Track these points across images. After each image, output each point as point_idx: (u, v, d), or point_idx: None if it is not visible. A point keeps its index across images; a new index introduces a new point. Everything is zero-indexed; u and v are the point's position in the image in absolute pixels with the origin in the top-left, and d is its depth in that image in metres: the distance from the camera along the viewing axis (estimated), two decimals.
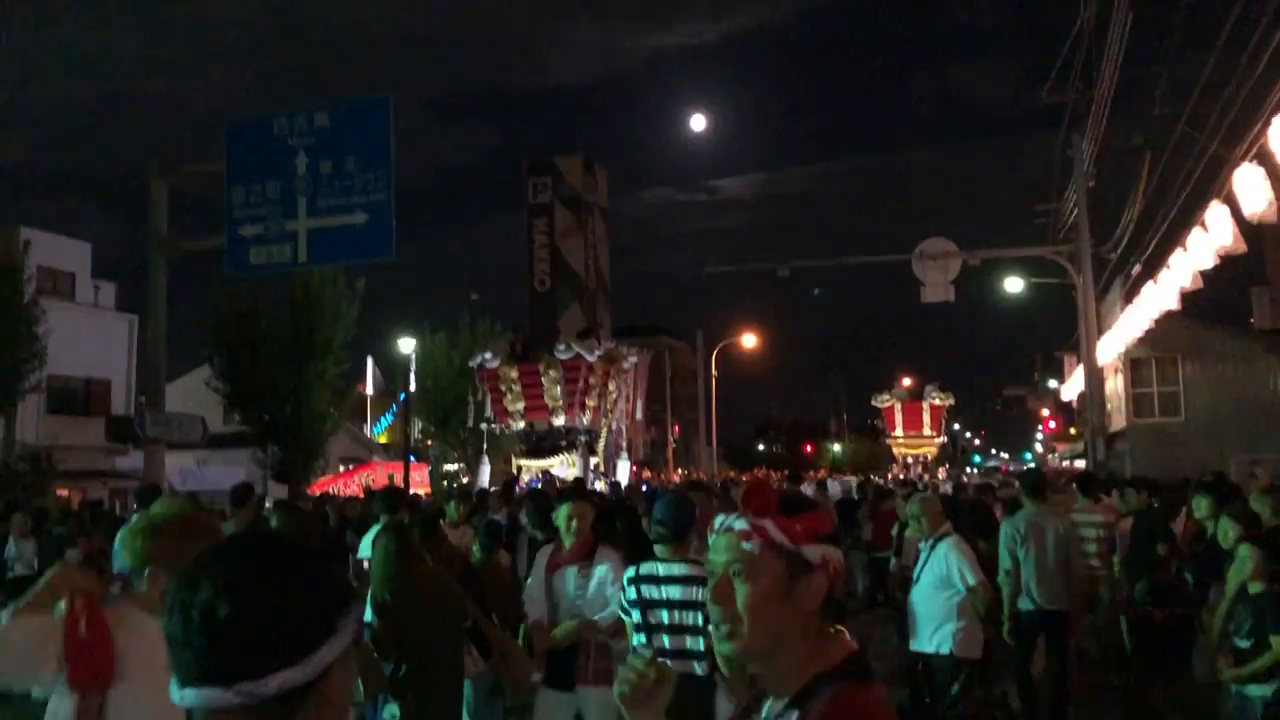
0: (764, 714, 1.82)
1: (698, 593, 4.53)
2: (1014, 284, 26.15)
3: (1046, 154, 24.27)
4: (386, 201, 16.51)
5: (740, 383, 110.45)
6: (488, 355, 23.43)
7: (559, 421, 22.17)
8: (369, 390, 48.72)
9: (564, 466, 21.35)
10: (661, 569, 4.84)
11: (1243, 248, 11.66)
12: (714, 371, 46.78)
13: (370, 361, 47.44)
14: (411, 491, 20.12)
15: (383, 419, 51.35)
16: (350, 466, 30.26)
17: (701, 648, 4.65)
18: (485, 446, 24.54)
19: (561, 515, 5.65)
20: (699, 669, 4.67)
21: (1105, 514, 9.72)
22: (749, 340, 48.39)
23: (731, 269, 23.48)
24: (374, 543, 5.68)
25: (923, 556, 6.78)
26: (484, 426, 23.73)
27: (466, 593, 6.33)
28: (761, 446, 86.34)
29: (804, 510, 1.86)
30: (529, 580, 6.04)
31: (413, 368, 35.42)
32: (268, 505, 11.41)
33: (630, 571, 4.94)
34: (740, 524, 1.79)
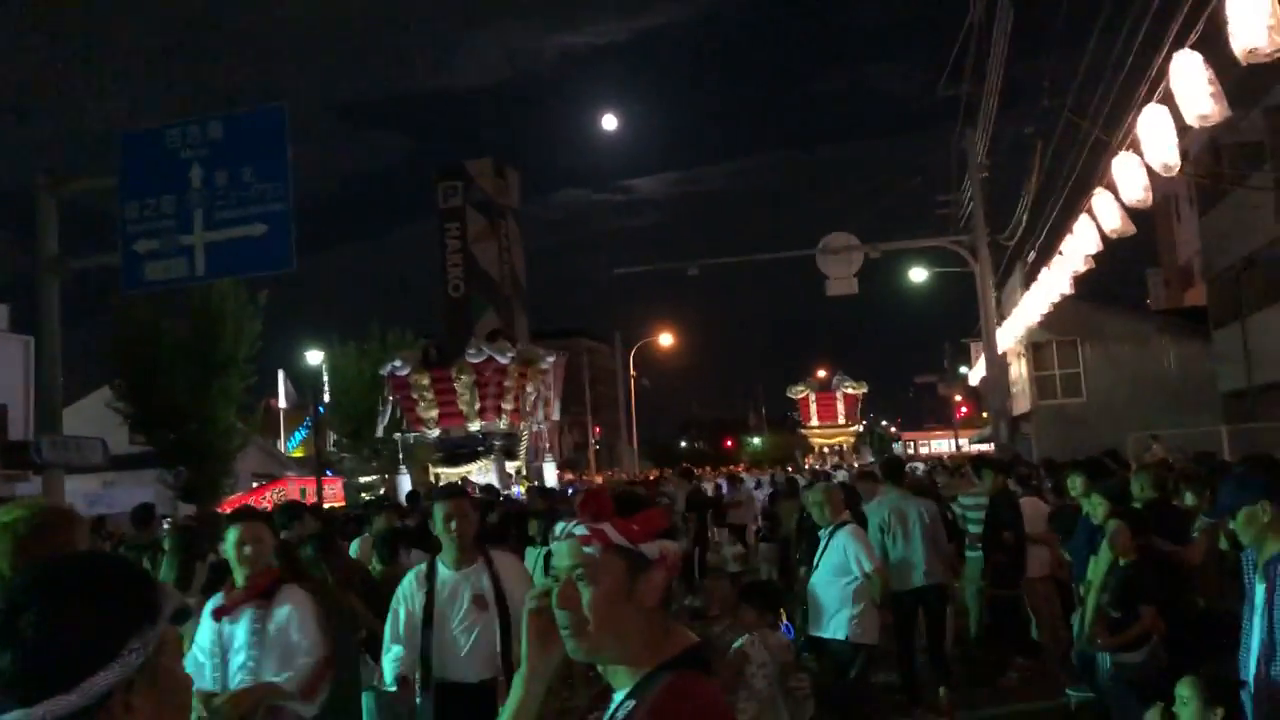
0: (611, 708, 1.88)
1: None
2: (918, 274, 26.72)
3: (947, 148, 24.80)
4: (285, 212, 16.21)
5: (661, 381, 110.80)
6: (397, 363, 23.05)
7: (475, 427, 21.87)
8: (282, 404, 47.82)
9: (482, 473, 21.05)
10: None
11: (1132, 229, 12.04)
12: (633, 371, 46.95)
13: (282, 375, 46.60)
14: (326, 505, 19.82)
15: (297, 433, 50.45)
16: (263, 483, 29.66)
17: None
18: (401, 456, 24.14)
19: (438, 516, 5.02)
20: None
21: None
22: (666, 339, 48.71)
23: (641, 270, 23.57)
24: None
25: (822, 543, 6.93)
26: (397, 436, 23.36)
27: (367, 605, 6.29)
28: (684, 444, 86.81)
29: (640, 509, 1.93)
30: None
31: (325, 379, 34.89)
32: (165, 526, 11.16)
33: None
34: (580, 529, 1.85)
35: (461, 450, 22.10)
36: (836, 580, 6.63)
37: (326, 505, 21.05)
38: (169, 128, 16.91)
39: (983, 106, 18.92)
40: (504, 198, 63.26)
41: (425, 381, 22.20)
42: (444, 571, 5.01)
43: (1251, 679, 4.11)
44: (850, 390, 46.67)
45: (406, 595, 5.07)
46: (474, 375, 21.83)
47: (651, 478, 27.66)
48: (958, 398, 60.42)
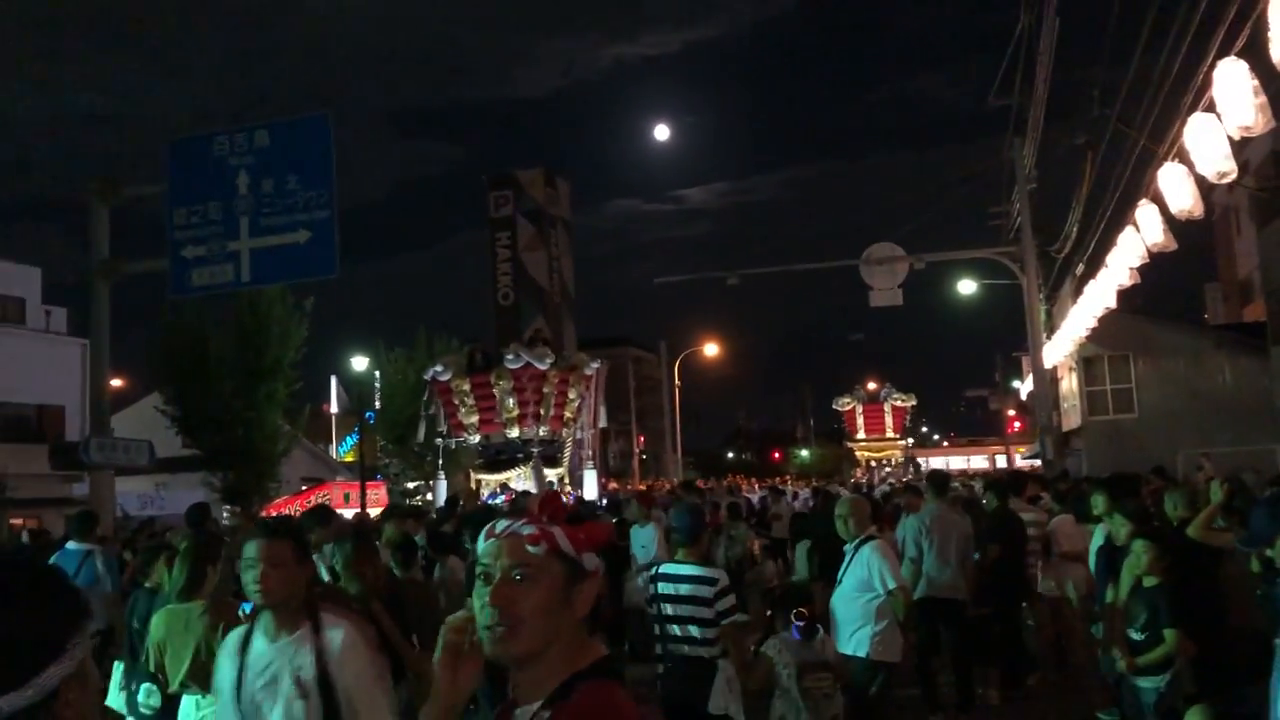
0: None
1: (704, 590, 5.40)
2: (967, 286, 26.39)
3: (998, 158, 24.50)
4: (329, 219, 16.44)
5: (708, 392, 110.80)
6: (439, 368, 22.88)
7: (514, 433, 21.77)
8: (333, 409, 48.39)
9: (522, 479, 21.09)
10: (678, 569, 5.61)
11: (1173, 245, 11.76)
12: (678, 380, 46.87)
13: (335, 380, 47.18)
14: (370, 511, 19.98)
15: (348, 438, 51.02)
16: (310, 487, 30.01)
17: (706, 635, 5.35)
18: (441, 462, 24.20)
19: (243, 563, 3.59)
20: (705, 653, 5.36)
21: (1038, 514, 9.81)
22: (712, 349, 48.53)
23: (681, 279, 23.50)
24: None
25: (847, 558, 6.80)
26: (439, 441, 23.38)
27: (387, 611, 6.27)
28: (731, 455, 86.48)
29: (589, 519, 1.95)
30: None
31: (378, 385, 35.25)
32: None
33: (653, 570, 5.90)
34: (528, 529, 1.84)
35: (501, 457, 22.02)
36: (859, 596, 6.50)
37: (371, 509, 21.33)
38: (217, 135, 17.22)
39: (1031, 116, 18.63)
40: (554, 207, 63.69)
41: (466, 387, 22.07)
42: (259, 643, 3.56)
43: (1278, 708, 3.96)
44: (899, 403, 45.85)
45: (219, 665, 3.73)
46: (512, 381, 21.63)
47: (699, 485, 27.61)
48: (1010, 412, 59.57)
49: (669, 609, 5.48)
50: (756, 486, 33.98)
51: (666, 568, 5.68)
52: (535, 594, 1.80)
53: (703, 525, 6.12)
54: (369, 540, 6.48)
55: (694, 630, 5.40)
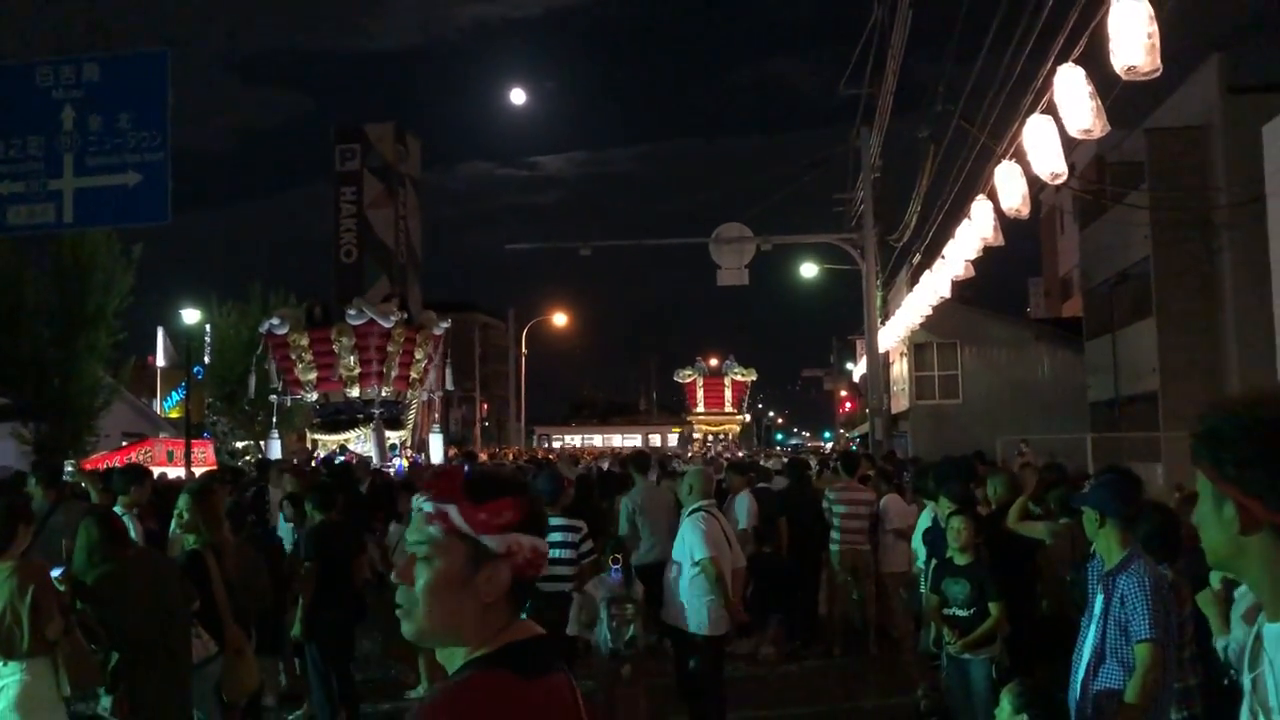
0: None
1: (572, 536, 6.71)
2: (809, 270, 27.04)
3: (847, 146, 25.11)
4: (161, 162, 15.61)
5: (554, 361, 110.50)
6: (275, 321, 21.96)
7: (354, 393, 21.05)
8: (160, 362, 46.20)
9: (361, 441, 20.49)
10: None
11: (1001, 240, 12.31)
12: (524, 349, 46.59)
13: (161, 332, 45.03)
14: (195, 470, 19.19)
15: (174, 393, 48.82)
16: (132, 442, 28.56)
17: (566, 574, 6.58)
18: (275, 420, 23.23)
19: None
20: (565, 588, 6.55)
21: (866, 492, 10.15)
22: (560, 319, 48.37)
23: (534, 247, 23.28)
24: (80, 527, 5.34)
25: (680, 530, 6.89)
26: (272, 399, 22.43)
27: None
28: (574, 425, 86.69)
29: (496, 496, 1.79)
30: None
31: (208, 339, 33.81)
32: None
33: None
34: (428, 505, 1.77)
35: (340, 417, 21.26)
36: (682, 567, 6.58)
37: (197, 469, 20.41)
38: (39, 64, 16.12)
39: (879, 107, 19.16)
40: (404, 165, 62.20)
41: (304, 342, 21.19)
42: None
43: (1079, 685, 4.19)
44: (739, 377, 46.00)
45: None
46: (354, 338, 20.84)
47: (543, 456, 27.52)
48: (843, 393, 61.57)
49: None
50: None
51: None
52: (430, 574, 1.74)
53: (562, 487, 7.51)
54: (210, 497, 6.21)
55: (562, 570, 6.48)
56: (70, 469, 14.10)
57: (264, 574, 6.59)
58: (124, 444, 28.24)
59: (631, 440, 60.68)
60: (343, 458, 17.56)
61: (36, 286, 22.66)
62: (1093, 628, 4.15)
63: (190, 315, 27.73)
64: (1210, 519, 1.72)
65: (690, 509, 6.68)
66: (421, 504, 1.77)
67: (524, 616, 5.52)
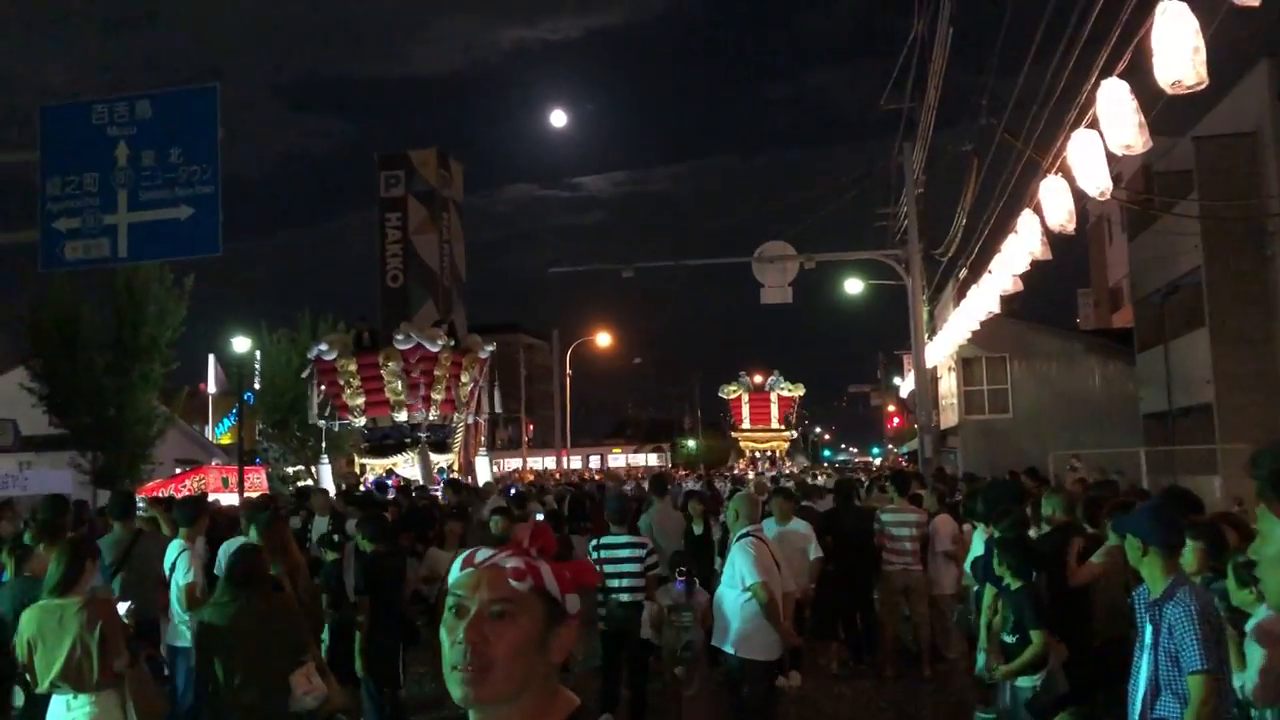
0: None
1: (635, 553, 7.65)
2: (854, 286, 26.91)
3: (889, 162, 25.04)
4: (213, 195, 15.91)
5: (598, 382, 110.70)
6: (324, 347, 21.92)
7: (401, 417, 21.08)
8: (211, 389, 46.94)
9: (409, 465, 20.59)
10: (615, 539, 7.82)
11: (1049, 255, 12.19)
12: (568, 369, 46.72)
13: (212, 360, 45.81)
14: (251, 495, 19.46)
15: (225, 420, 49.54)
16: (185, 469, 29.04)
17: (637, 585, 7.55)
18: (324, 445, 23.43)
19: None
20: (637, 598, 7.50)
21: (918, 513, 10.06)
22: (604, 339, 48.38)
23: (577, 269, 23.42)
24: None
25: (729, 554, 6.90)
26: (321, 424, 22.57)
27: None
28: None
29: (572, 558, 1.82)
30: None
31: (258, 366, 34.28)
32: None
33: (594, 541, 7.97)
34: (514, 562, 1.70)
35: (388, 441, 21.31)
36: (731, 592, 6.57)
37: (250, 494, 20.68)
38: (95, 103, 16.54)
39: (921, 121, 19.09)
40: (447, 189, 62.82)
41: (352, 367, 21.22)
42: None
43: (1136, 716, 4.14)
44: (785, 393, 44.49)
45: None
46: (401, 362, 20.83)
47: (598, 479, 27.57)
48: (891, 408, 61.09)
49: (610, 568, 7.52)
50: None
51: (606, 539, 7.82)
52: (513, 633, 1.65)
53: (629, 508, 8.56)
54: (277, 524, 6.31)
55: (634, 582, 7.52)
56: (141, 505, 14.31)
57: (319, 598, 6.69)
58: (178, 471, 28.73)
59: (618, 461, 62.29)
60: (390, 481, 17.74)
61: (92, 318, 23.17)
62: (1145, 658, 4.10)
63: (241, 344, 28.11)
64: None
65: (738, 534, 6.69)
66: (503, 560, 1.71)
67: (604, 626, 5.92)
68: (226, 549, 6.35)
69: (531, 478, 32.75)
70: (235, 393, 29.08)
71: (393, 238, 57.03)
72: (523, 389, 51.23)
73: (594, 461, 63.38)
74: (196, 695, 5.13)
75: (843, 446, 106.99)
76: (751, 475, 28.41)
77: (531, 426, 59.79)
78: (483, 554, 1.74)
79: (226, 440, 46.13)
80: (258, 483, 25.76)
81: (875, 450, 77.33)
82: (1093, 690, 5.68)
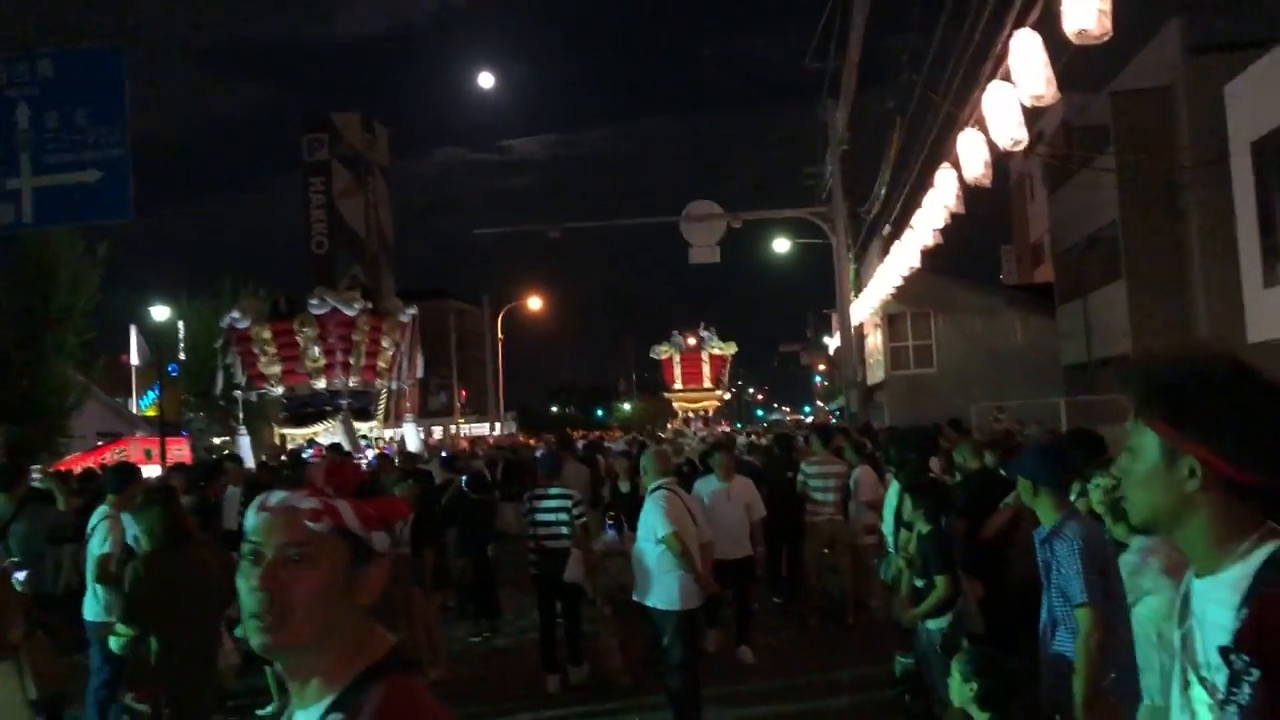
0: None
1: (564, 504, 8.16)
2: (781, 245, 27.04)
3: (815, 120, 25.07)
4: (122, 158, 15.37)
5: (532, 346, 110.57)
6: (236, 315, 21.23)
7: (321, 385, 20.50)
8: (134, 361, 45.85)
9: (331, 434, 20.00)
10: (545, 491, 8.35)
11: (962, 209, 12.31)
12: (500, 334, 46.41)
13: (134, 330, 44.72)
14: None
15: (149, 391, 48.46)
16: (106, 442, 28.34)
17: (565, 533, 8.09)
18: (242, 416, 22.81)
19: None
20: (565, 544, 8.05)
21: (839, 464, 10.18)
22: (535, 303, 48.07)
23: (502, 230, 23.11)
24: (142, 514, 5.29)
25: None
26: (238, 394, 21.94)
27: None
28: (555, 409, 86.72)
29: (377, 494, 1.74)
30: None
31: (181, 336, 33.53)
32: None
33: (527, 493, 8.74)
34: (310, 502, 1.62)
35: (307, 410, 20.73)
36: (646, 544, 6.59)
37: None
38: None
39: (843, 79, 19.12)
40: (372, 153, 61.56)
41: (266, 335, 20.54)
42: None
43: (1042, 651, 4.23)
44: (718, 351, 43.74)
45: None
46: (317, 328, 20.21)
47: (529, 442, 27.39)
48: (821, 367, 61.66)
49: (541, 517, 8.18)
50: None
51: (538, 491, 8.42)
52: (312, 578, 1.58)
53: (560, 464, 9.39)
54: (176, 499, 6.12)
55: (562, 530, 8.07)
56: (36, 472, 13.87)
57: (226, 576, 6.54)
58: (99, 444, 28.05)
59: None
60: (310, 452, 17.32)
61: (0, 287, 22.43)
62: (1045, 595, 4.18)
63: (160, 312, 27.43)
64: (1154, 478, 1.68)
65: (651, 487, 6.69)
66: (298, 501, 1.62)
67: (536, 571, 7.53)
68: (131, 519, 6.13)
69: (466, 445, 32.54)
70: (159, 363, 28.44)
71: (317, 203, 55.99)
72: (453, 354, 50.79)
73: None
74: (113, 660, 5.02)
75: (775, 406, 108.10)
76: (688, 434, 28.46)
77: (465, 393, 59.39)
78: (276, 497, 1.66)
79: (152, 413, 45.12)
80: (180, 455, 25.27)
81: (807, 409, 78.25)
82: (1011, 630, 5.78)
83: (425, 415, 49.42)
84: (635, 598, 6.76)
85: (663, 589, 6.49)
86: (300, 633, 1.58)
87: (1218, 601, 1.64)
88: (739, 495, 8.82)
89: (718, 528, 8.26)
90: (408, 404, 22.86)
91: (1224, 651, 1.59)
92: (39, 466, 16.77)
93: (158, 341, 28.92)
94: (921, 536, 5.73)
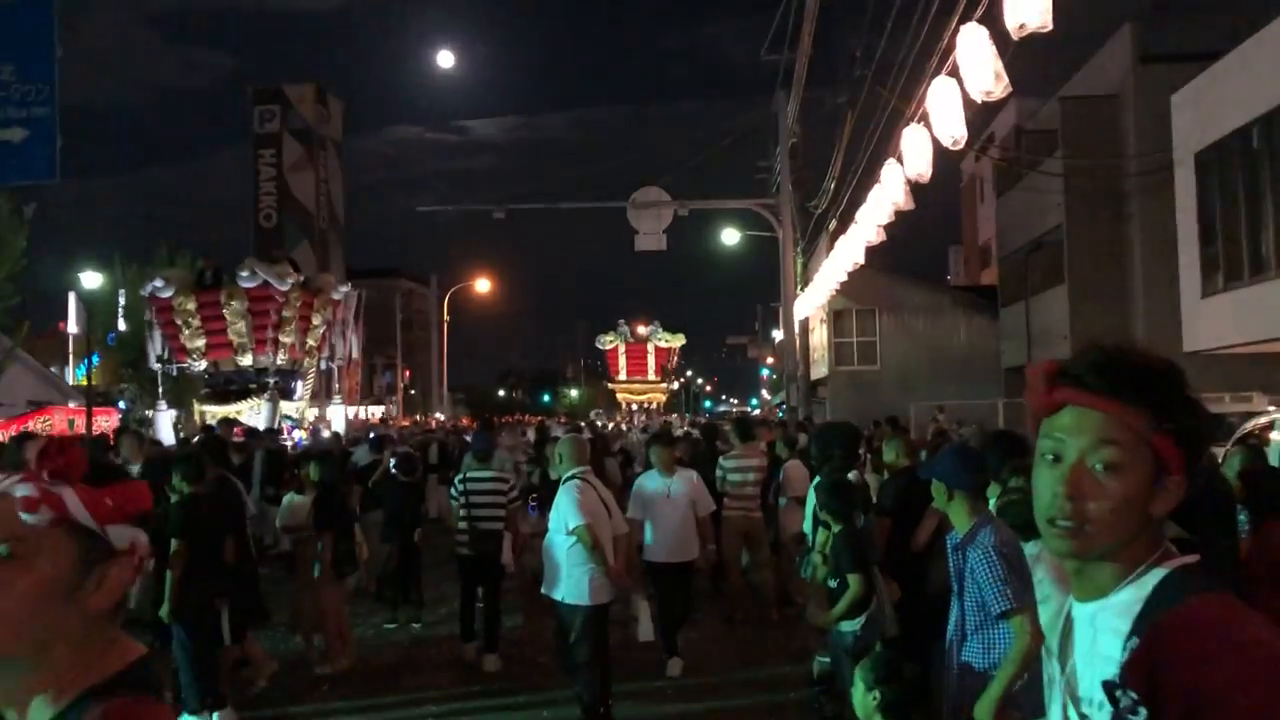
0: None
1: (501, 487, 8.52)
2: (731, 236, 26.91)
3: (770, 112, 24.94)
4: (49, 116, 14.96)
5: (483, 329, 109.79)
6: (159, 283, 19.93)
7: (246, 361, 19.46)
8: (72, 329, 44.79)
9: (254, 412, 19.10)
10: (480, 473, 8.63)
11: (911, 205, 12.20)
12: (447, 315, 45.90)
13: (74, 298, 43.69)
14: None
15: (85, 361, 47.40)
16: (33, 409, 27.58)
17: (498, 515, 8.37)
18: (161, 390, 21.64)
19: None
20: (498, 526, 8.38)
21: (758, 458, 10.04)
22: (484, 284, 47.56)
23: (446, 209, 22.73)
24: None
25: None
26: (157, 366, 20.88)
27: None
28: (502, 393, 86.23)
29: (122, 478, 1.46)
30: None
31: (122, 305, 32.73)
32: None
33: (460, 475, 8.90)
34: (25, 489, 1.36)
35: (231, 387, 19.68)
36: (558, 535, 6.38)
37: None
38: None
39: (795, 72, 19.01)
40: (325, 126, 60.59)
41: (191, 306, 19.46)
42: None
43: (947, 663, 4.07)
44: (664, 344, 43.12)
45: None
46: (246, 302, 19.13)
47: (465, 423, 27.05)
48: (769, 360, 61.72)
49: (477, 499, 8.32)
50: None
51: (472, 474, 8.64)
52: (24, 580, 1.32)
53: (493, 445, 9.84)
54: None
55: (495, 512, 8.32)
56: None
57: None
58: (25, 412, 27.32)
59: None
60: (235, 431, 16.67)
61: None
62: (954, 604, 4.03)
63: (91, 279, 26.75)
64: (1140, 490, 1.46)
65: (565, 477, 6.47)
66: (11, 486, 1.37)
67: (467, 551, 7.71)
68: None
69: (407, 424, 32.05)
70: (89, 333, 27.73)
71: (266, 175, 54.91)
72: (398, 334, 50.20)
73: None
74: None
75: (723, 398, 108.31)
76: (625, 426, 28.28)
77: (409, 373, 58.75)
78: None
79: (85, 383, 44.14)
80: (108, 425, 24.67)
81: (754, 402, 78.39)
82: (928, 636, 5.65)
83: (368, 396, 48.77)
84: (544, 590, 6.55)
85: (572, 583, 6.28)
86: (6, 644, 1.32)
87: (1105, 629, 1.45)
88: (681, 491, 8.20)
89: (661, 527, 8.09)
90: (336, 384, 21.96)
91: (1108, 686, 1.41)
92: None
93: (94, 310, 28.13)
94: (835, 534, 5.57)
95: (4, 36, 15.16)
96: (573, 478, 6.42)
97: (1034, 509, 1.54)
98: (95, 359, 46.55)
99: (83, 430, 21.54)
